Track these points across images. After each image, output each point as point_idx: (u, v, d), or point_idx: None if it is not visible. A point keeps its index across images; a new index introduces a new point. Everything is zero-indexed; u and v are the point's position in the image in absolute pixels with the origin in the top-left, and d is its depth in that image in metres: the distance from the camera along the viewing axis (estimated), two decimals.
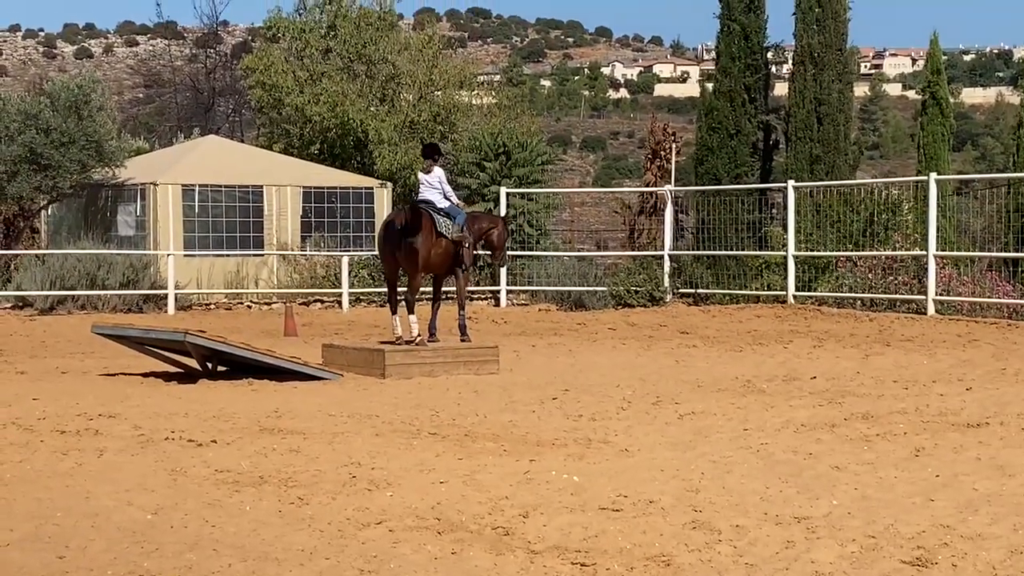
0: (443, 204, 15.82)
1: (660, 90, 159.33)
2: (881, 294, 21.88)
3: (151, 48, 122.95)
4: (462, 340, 15.95)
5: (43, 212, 28.77)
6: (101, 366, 15.92)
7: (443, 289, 16.69)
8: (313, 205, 27.94)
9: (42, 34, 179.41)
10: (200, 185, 26.79)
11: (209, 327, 18.51)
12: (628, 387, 13.52)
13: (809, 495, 8.31)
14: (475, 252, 16.87)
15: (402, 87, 33.65)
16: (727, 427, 10.88)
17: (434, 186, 15.87)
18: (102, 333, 15.71)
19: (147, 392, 13.50)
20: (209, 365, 14.71)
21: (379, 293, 25.62)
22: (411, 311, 15.56)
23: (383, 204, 28.04)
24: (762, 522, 7.67)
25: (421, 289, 17.34)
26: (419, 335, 15.50)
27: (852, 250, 23.03)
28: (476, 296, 26.13)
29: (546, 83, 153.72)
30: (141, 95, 69.48)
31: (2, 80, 32.93)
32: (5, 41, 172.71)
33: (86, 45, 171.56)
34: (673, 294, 24.65)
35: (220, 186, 27.02)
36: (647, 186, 29.20)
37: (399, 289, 16.29)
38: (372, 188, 28.74)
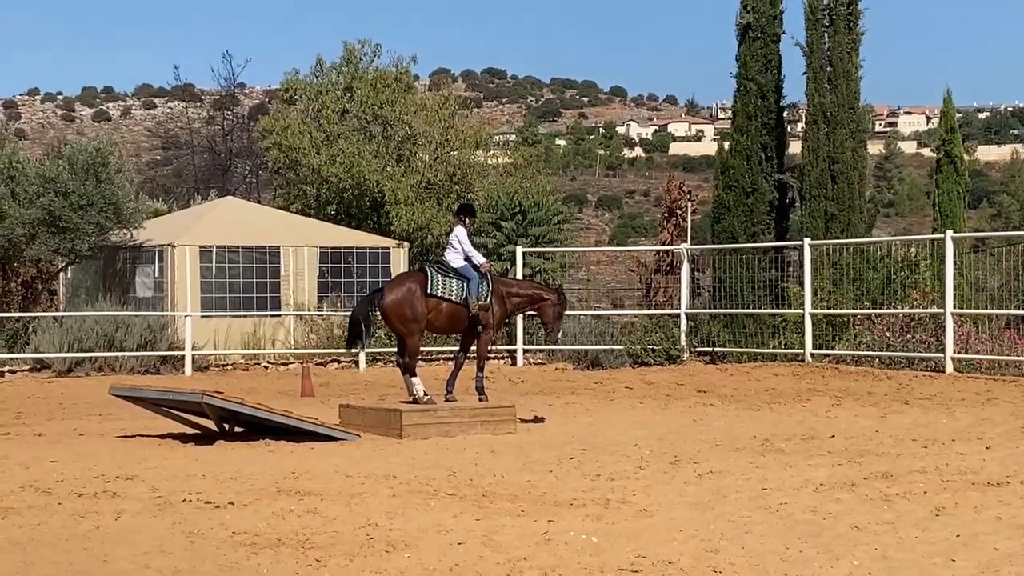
0: (458, 264, 15.75)
1: (675, 148, 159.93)
2: (899, 352, 21.82)
3: (169, 110, 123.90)
4: (479, 400, 15.89)
5: (61, 274, 28.92)
6: (119, 428, 15.93)
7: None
8: (330, 265, 28.07)
9: (60, 97, 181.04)
10: (217, 246, 26.92)
11: (226, 388, 18.52)
12: (646, 446, 13.48)
13: (829, 555, 8.27)
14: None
15: (418, 147, 33.86)
16: (746, 487, 10.83)
17: (454, 246, 15.88)
18: (120, 395, 15.74)
19: (164, 454, 13.50)
20: (226, 426, 14.72)
21: (395, 353, 25.63)
22: (407, 372, 15.49)
23: (399, 264, 28.13)
24: None
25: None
26: (425, 395, 15.40)
27: (869, 308, 22.99)
28: (492, 355, 26.10)
29: (561, 142, 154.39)
30: (159, 157, 69.93)
31: (21, 143, 33.05)
32: (24, 105, 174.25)
33: (104, 108, 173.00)
34: (690, 352, 24.61)
35: (237, 247, 27.15)
36: (663, 244, 29.26)
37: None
38: (389, 248, 28.84)
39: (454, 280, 15.59)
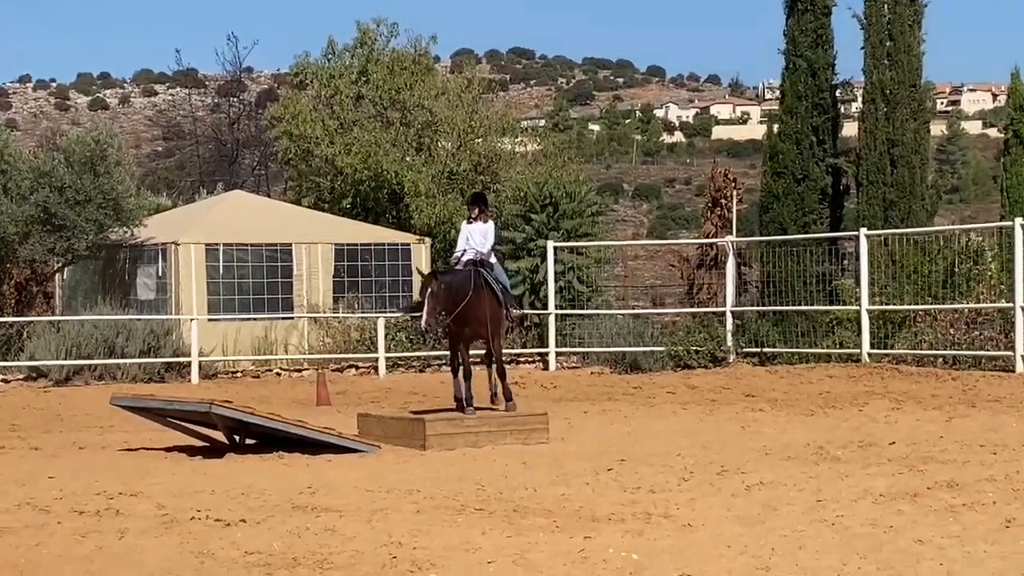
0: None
1: (718, 132, 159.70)
2: (964, 351, 21.75)
3: (170, 98, 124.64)
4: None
5: (57, 275, 29.09)
6: (121, 440, 16.04)
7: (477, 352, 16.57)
8: (346, 263, 28.13)
9: (54, 85, 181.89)
10: (225, 244, 27.02)
11: (236, 397, 18.63)
12: (690, 456, 13.50)
13: (890, 572, 8.27)
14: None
15: (440, 135, 33.87)
16: (799, 498, 10.84)
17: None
18: (122, 405, 15.84)
19: (170, 468, 13.58)
20: (236, 438, 14.80)
21: (418, 358, 25.76)
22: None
23: (421, 260, 28.15)
24: None
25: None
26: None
27: (931, 303, 22.93)
28: (523, 359, 26.16)
29: (595, 127, 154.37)
30: (160, 148, 70.45)
31: (12, 135, 33.30)
32: (15, 93, 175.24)
33: (101, 96, 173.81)
34: (737, 354, 24.60)
35: (246, 245, 27.25)
36: (707, 237, 29.20)
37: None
38: (409, 244, 28.90)
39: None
